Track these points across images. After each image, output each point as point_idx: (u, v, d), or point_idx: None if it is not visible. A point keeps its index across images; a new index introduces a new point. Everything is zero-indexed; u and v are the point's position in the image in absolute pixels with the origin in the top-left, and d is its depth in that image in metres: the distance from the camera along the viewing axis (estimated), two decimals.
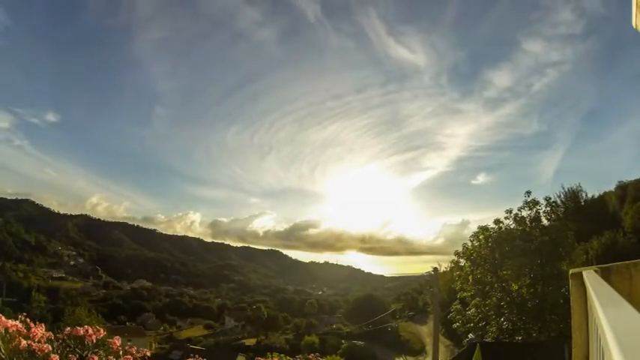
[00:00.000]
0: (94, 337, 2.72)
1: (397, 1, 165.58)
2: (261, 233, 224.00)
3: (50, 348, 2.27)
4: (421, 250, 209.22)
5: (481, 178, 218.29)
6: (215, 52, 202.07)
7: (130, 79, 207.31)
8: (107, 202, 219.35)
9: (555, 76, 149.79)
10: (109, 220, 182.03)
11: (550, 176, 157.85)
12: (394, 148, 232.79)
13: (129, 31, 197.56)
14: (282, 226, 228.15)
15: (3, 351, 1.99)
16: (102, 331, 2.84)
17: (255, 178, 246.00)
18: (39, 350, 2.16)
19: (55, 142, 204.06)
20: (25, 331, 2.25)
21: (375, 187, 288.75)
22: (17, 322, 2.22)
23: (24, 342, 2.13)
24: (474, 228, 17.00)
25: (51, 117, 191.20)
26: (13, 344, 2.06)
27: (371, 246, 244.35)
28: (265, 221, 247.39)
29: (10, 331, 2.07)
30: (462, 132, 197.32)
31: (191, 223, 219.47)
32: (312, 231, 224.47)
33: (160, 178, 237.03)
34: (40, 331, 2.35)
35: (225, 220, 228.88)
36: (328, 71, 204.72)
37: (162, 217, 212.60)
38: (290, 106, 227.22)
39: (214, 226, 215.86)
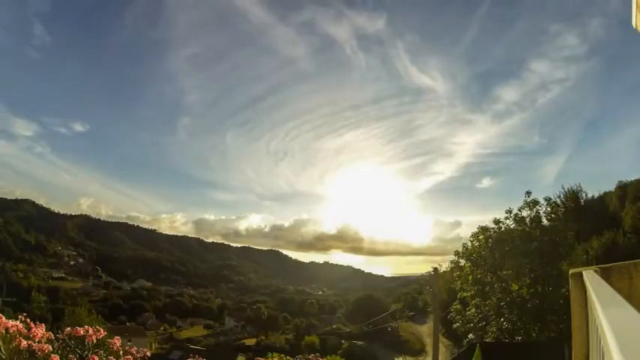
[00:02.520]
0: (94, 337, 2.73)
1: (422, 34, 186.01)
2: (243, 232, 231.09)
3: (50, 348, 2.27)
4: (424, 251, 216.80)
5: (486, 182, 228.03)
6: (243, 65, 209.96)
7: (159, 91, 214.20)
8: (120, 205, 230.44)
9: (559, 91, 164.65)
10: (109, 220, 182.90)
11: (552, 180, 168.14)
12: (404, 154, 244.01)
13: (165, 46, 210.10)
14: (266, 226, 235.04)
15: (3, 351, 1.99)
16: (102, 331, 2.84)
17: (268, 183, 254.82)
18: (39, 350, 2.16)
19: (78, 150, 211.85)
20: (25, 331, 2.25)
21: (383, 191, 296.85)
22: (18, 323, 2.22)
23: (24, 342, 2.13)
24: (473, 229, 17.01)
25: (79, 127, 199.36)
26: (14, 344, 2.06)
27: (369, 247, 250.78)
28: (251, 221, 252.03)
29: (11, 331, 2.07)
30: (470, 140, 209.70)
31: (174, 221, 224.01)
32: (301, 230, 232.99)
33: (176, 182, 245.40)
34: (40, 331, 2.35)
35: (211, 218, 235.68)
36: (350, 85, 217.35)
37: (148, 217, 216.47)
38: (308, 115, 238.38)
39: (199, 224, 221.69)
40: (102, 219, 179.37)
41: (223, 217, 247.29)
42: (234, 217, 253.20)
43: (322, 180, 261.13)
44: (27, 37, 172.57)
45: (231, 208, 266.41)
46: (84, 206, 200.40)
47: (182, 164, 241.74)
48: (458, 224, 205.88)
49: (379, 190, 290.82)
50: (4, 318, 2.13)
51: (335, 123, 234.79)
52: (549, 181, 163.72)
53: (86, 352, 2.70)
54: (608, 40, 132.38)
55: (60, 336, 2.65)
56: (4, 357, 1.97)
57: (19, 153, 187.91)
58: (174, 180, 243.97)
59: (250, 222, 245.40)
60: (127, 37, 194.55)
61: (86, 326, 2.78)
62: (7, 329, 2.06)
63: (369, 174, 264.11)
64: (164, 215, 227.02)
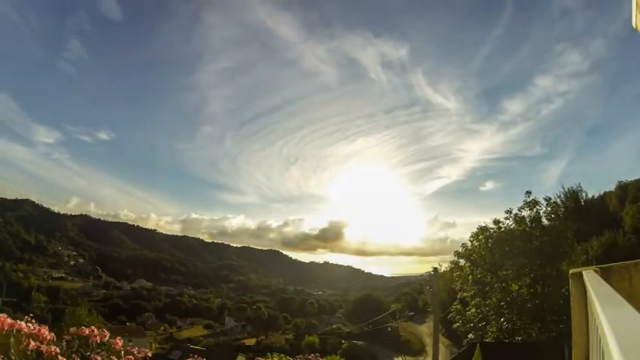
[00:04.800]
0: (98, 337, 2.74)
1: (439, 59, 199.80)
2: (230, 231, 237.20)
3: (58, 350, 2.28)
4: (426, 252, 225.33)
5: (489, 185, 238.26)
6: (267, 77, 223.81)
7: (184, 101, 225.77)
8: (133, 208, 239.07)
9: (561, 103, 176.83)
10: (109, 220, 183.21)
11: (554, 183, 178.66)
12: (411, 159, 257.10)
13: (196, 60, 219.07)
14: (254, 225, 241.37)
15: (14, 352, 2.00)
16: (107, 332, 2.86)
17: (277, 186, 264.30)
18: (47, 352, 2.17)
19: (96, 157, 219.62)
20: (33, 332, 2.26)
21: (389, 193, 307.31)
22: (29, 324, 2.23)
23: (33, 343, 2.14)
24: (473, 229, 17.02)
25: (103, 135, 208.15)
26: (23, 345, 2.07)
27: (370, 248, 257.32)
28: (239, 221, 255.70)
29: (22, 332, 2.09)
30: (475, 147, 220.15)
31: (160, 220, 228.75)
32: (302, 231, 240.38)
33: (192, 186, 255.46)
34: (47, 332, 2.36)
35: (197, 216, 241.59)
36: (366, 98, 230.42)
37: (133, 215, 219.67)
38: (322, 122, 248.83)
39: (185, 222, 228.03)
40: (102, 219, 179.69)
41: (216, 217, 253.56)
42: (230, 216, 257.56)
43: (329, 183, 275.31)
44: (60, 51, 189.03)
45: (244, 210, 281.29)
46: (73, 204, 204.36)
47: (196, 169, 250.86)
48: (460, 225, 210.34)
49: (385, 193, 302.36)
50: (9, 319, 2.14)
51: (347, 130, 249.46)
52: (551, 184, 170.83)
53: (89, 353, 2.71)
54: (609, 57, 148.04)
55: (66, 337, 2.67)
56: (14, 358, 1.99)
57: (35, 158, 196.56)
58: (189, 184, 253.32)
59: (241, 222, 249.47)
60: (160, 51, 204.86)
61: (92, 327, 2.79)
62: (18, 330, 2.07)
63: (376, 177, 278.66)
64: (153, 215, 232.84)
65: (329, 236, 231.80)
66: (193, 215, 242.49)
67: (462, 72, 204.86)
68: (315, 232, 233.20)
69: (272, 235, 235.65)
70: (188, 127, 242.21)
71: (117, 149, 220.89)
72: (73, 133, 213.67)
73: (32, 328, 2.21)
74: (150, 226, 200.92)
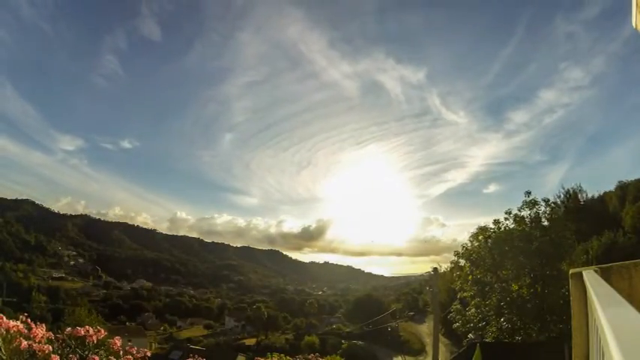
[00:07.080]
0: (94, 337, 2.72)
1: (452, 78, 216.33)
2: (219, 228, 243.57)
3: (51, 348, 2.26)
4: (418, 252, 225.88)
5: (492, 188, 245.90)
6: (290, 90, 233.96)
7: (209, 112, 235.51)
8: (144, 211, 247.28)
9: (563, 113, 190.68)
10: (109, 220, 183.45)
11: (555, 186, 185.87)
12: (419, 163, 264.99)
13: (226, 74, 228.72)
14: (256, 226, 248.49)
15: (4, 351, 1.99)
16: (102, 331, 2.84)
17: (287, 190, 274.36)
18: (39, 351, 2.16)
19: (116, 163, 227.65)
20: (26, 331, 2.25)
21: (396, 196, 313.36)
22: (18, 323, 2.22)
23: (25, 342, 2.13)
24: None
25: (126, 143, 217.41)
26: (14, 345, 2.06)
27: (371, 248, 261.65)
28: (241, 221, 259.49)
29: (12, 331, 2.07)
30: (481, 153, 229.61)
31: (147, 217, 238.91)
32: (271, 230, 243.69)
33: (205, 190, 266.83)
34: (40, 331, 2.35)
35: (186, 216, 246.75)
36: (382, 109, 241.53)
37: (123, 212, 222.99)
38: (335, 130, 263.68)
39: (173, 221, 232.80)
40: (102, 219, 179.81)
41: (198, 216, 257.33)
42: (207, 217, 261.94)
43: (334, 185, 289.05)
44: (95, 66, 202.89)
45: (254, 212, 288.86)
46: (73, 204, 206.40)
47: (211, 175, 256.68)
48: (454, 226, 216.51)
49: (391, 195, 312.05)
50: (4, 318, 2.13)
51: (360, 136, 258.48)
52: (552, 187, 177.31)
53: (87, 352, 2.70)
54: (609, 72, 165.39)
55: (60, 336, 2.65)
56: (4, 357, 1.97)
57: (50, 163, 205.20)
58: (203, 188, 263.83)
59: (243, 223, 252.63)
60: (192, 66, 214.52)
61: (87, 326, 2.78)
62: (7, 329, 2.06)
63: (384, 180, 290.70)
64: (145, 214, 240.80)
65: (319, 236, 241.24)
66: (184, 214, 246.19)
67: (472, 87, 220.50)
68: (311, 232, 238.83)
69: (273, 236, 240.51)
70: (207, 136, 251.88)
71: (136, 156, 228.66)
72: (97, 142, 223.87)
73: (23, 327, 2.20)
74: (139, 223, 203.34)
